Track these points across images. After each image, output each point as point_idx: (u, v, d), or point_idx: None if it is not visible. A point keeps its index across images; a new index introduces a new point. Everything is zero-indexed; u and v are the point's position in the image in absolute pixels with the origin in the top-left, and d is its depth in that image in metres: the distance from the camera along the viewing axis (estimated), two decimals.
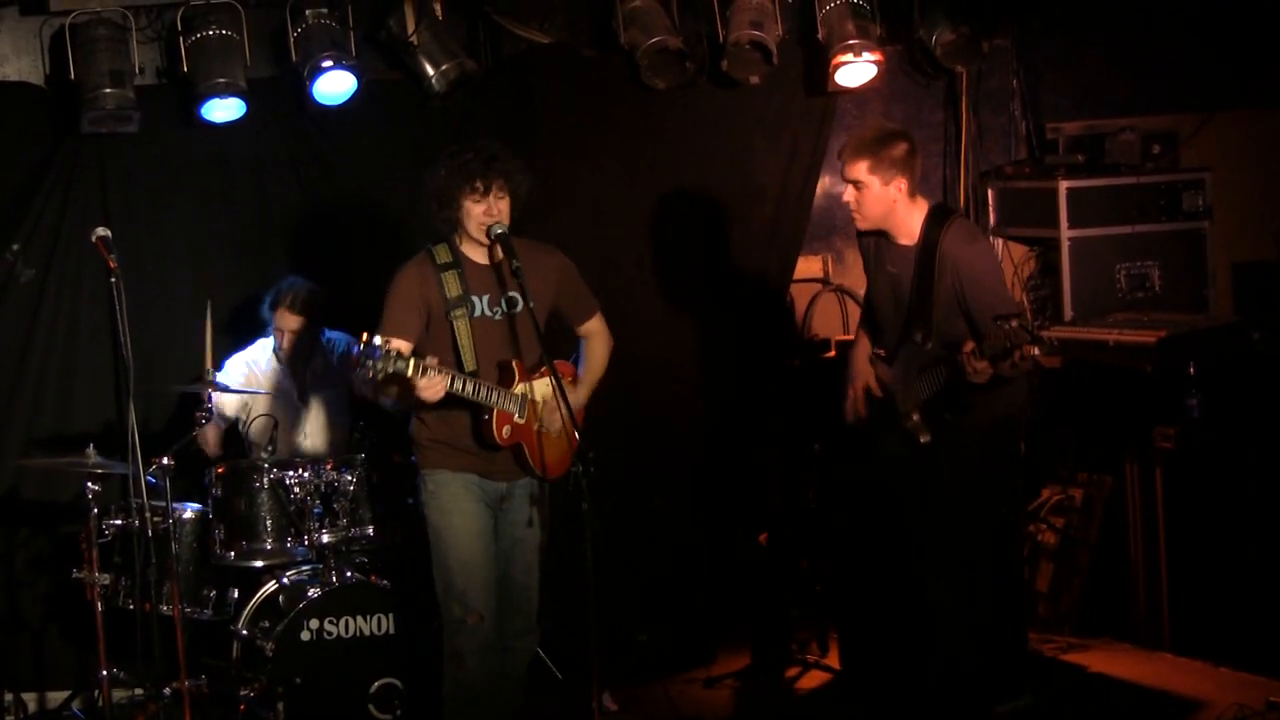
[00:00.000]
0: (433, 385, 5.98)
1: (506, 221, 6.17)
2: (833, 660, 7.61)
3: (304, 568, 7.08)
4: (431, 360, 5.98)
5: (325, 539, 7.00)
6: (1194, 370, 7.39)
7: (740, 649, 7.78)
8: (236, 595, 7.11)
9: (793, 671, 7.63)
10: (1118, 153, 8.16)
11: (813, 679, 7.58)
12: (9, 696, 7.42)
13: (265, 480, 7.03)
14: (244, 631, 7.00)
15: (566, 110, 7.94)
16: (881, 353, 6.68)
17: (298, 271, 7.47)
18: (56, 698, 7.54)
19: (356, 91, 7.53)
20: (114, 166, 7.57)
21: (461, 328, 6.19)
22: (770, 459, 8.04)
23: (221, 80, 7.35)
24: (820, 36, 7.93)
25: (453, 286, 6.21)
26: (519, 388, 6.23)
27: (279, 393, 7.39)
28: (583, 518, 5.94)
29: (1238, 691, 6.96)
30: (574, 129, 7.94)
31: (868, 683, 7.29)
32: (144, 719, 6.94)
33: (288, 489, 7.02)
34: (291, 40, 7.53)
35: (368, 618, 6.95)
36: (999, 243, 8.24)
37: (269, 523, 7.03)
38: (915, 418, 6.48)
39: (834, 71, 7.90)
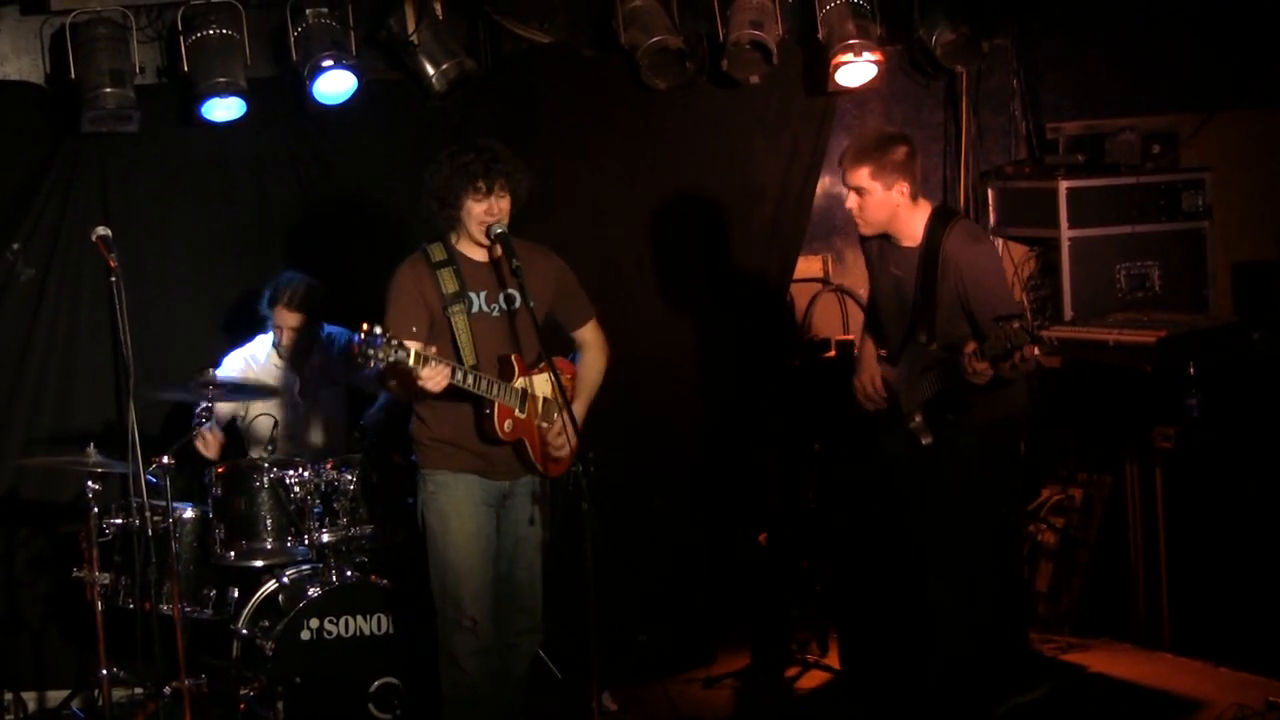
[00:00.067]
0: (435, 375, 5.97)
1: (506, 221, 6.18)
2: (833, 660, 7.60)
3: (304, 567, 7.08)
4: (431, 350, 5.99)
5: (325, 538, 7.00)
6: (1194, 370, 7.39)
7: (740, 649, 7.78)
8: (236, 595, 7.11)
9: (793, 671, 7.62)
10: (1118, 153, 8.16)
11: (813, 679, 7.57)
12: (9, 696, 7.42)
13: (265, 480, 7.03)
14: (244, 631, 7.00)
15: (566, 110, 7.94)
16: (883, 353, 6.69)
17: (297, 271, 7.46)
18: (56, 697, 7.53)
19: (356, 91, 7.53)
20: (114, 166, 7.56)
21: (460, 324, 6.19)
22: (770, 459, 8.03)
23: (222, 80, 7.35)
24: (820, 36, 7.93)
25: (449, 283, 6.21)
26: (519, 382, 6.24)
27: (278, 389, 7.38)
28: (583, 517, 5.93)
29: (1238, 691, 6.95)
30: (574, 129, 7.93)
31: (868, 683, 7.28)
32: (144, 718, 6.94)
33: (288, 488, 7.01)
34: (292, 40, 7.53)
35: (367, 617, 6.95)
36: (999, 242, 8.24)
37: (269, 522, 7.03)
38: (918, 419, 6.48)
39: (834, 71, 7.90)
